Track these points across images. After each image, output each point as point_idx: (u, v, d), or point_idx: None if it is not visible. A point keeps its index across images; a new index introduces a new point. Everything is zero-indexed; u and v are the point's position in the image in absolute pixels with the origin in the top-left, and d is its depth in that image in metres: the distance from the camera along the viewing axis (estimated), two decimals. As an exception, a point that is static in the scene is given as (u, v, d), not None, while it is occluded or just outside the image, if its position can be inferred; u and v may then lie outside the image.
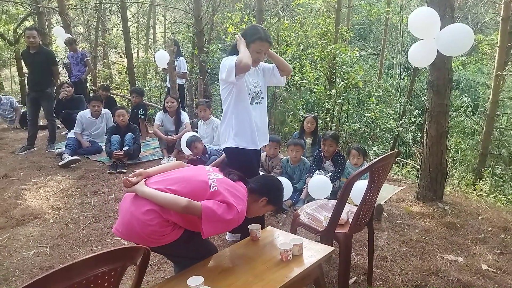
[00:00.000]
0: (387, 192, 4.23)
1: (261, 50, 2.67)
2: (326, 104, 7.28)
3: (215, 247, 2.25)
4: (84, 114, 5.72)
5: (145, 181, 2.02)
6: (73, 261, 1.08)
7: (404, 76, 12.31)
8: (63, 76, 10.72)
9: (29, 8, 10.02)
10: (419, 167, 4.29)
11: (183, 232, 1.97)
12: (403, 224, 3.48)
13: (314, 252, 2.15)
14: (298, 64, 8.30)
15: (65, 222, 3.52)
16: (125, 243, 3.08)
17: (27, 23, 11.99)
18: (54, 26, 10.65)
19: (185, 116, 5.69)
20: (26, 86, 5.76)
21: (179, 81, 6.66)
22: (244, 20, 11.02)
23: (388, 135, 8.28)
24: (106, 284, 1.19)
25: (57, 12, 9.13)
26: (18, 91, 12.05)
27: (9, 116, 7.18)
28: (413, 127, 8.96)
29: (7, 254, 2.96)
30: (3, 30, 11.89)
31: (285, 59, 8.94)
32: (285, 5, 11.93)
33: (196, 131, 5.44)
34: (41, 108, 5.74)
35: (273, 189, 2.20)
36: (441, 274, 2.70)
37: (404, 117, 8.84)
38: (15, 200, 3.98)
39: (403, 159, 7.79)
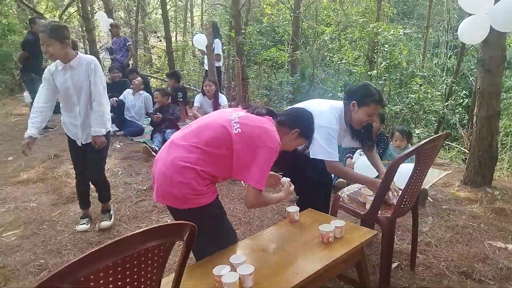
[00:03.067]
0: (432, 176, 4.07)
1: (374, 114, 2.48)
2: (367, 85, 7.04)
3: (236, 236, 2.17)
4: (129, 90, 6.05)
5: (172, 138, 1.98)
6: (124, 235, 1.12)
7: (451, 55, 11.67)
8: (106, 60, 11.09)
9: (74, -6, 10.35)
10: (467, 151, 4.09)
11: (216, 199, 1.95)
12: (449, 209, 3.36)
13: (356, 235, 2.12)
14: (337, 44, 8.07)
15: (112, 200, 3.68)
16: (168, 220, 3.18)
17: (72, 9, 12.44)
18: (97, 12, 10.98)
19: (223, 99, 5.72)
20: (25, 70, 5.83)
21: (216, 64, 6.69)
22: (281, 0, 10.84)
23: (432, 118, 7.93)
24: (155, 258, 1.23)
25: (100, -3, 9.37)
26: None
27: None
28: (460, 109, 8.53)
29: (59, 229, 3.15)
30: (49, 17, 12.37)
31: (324, 40, 8.75)
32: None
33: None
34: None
35: (304, 120, 2.10)
36: (489, 261, 2.59)
37: (450, 99, 8.43)
38: (65, 178, 4.20)
39: (449, 143, 7.46)
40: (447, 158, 5.08)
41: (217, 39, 6.97)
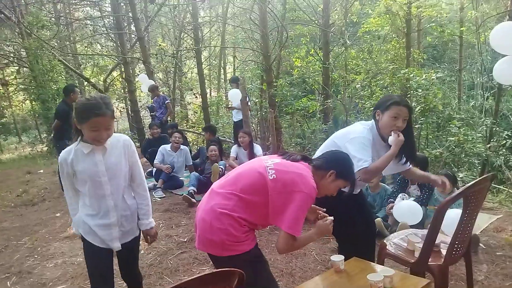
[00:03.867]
0: (482, 221, 3.87)
1: (399, 115, 2.45)
2: (403, 130, 6.98)
3: (278, 286, 2.17)
4: (165, 147, 6.18)
5: (212, 187, 2.07)
6: (183, 280, 1.15)
7: (488, 96, 11.43)
8: (147, 118, 11.70)
9: (117, 59, 11.24)
10: (517, 193, 3.88)
11: (256, 245, 1.96)
12: (504, 256, 3.15)
13: (407, 284, 2.03)
14: (368, 91, 8.15)
15: (154, 253, 3.73)
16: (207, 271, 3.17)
17: (115, 73, 13.45)
18: (138, 74, 11.80)
19: (258, 149, 5.84)
20: (58, 137, 6.02)
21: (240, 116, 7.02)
22: (310, 52, 11.25)
23: (475, 160, 7.64)
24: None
25: (141, 61, 10.12)
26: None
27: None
28: (504, 150, 8.18)
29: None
30: (94, 81, 13.39)
31: (355, 88, 8.86)
32: (351, 34, 11.96)
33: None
34: None
35: (339, 160, 2.08)
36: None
37: (492, 140, 8.13)
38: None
39: (497, 185, 7.09)
40: (496, 202, 4.82)
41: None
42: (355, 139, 2.43)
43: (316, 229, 2.05)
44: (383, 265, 2.44)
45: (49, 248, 3.95)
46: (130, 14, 9.61)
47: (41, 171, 8.09)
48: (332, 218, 2.08)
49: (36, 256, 3.80)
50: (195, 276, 1.21)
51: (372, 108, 8.01)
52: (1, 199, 6.15)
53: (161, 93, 9.08)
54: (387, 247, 2.56)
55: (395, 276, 2.05)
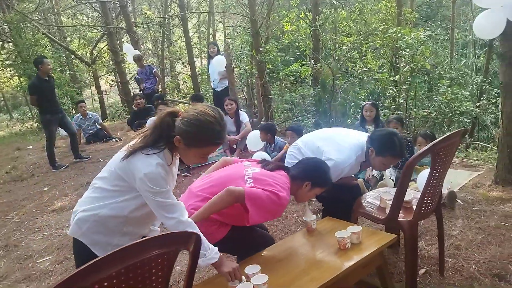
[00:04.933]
0: (461, 178, 3.91)
1: (390, 164, 2.53)
2: (390, 91, 6.93)
3: (272, 238, 2.27)
4: (152, 119, 6.12)
5: (190, 187, 2.16)
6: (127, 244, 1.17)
7: (480, 54, 11.27)
8: (136, 90, 11.56)
9: (101, 30, 10.97)
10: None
11: (231, 229, 2.02)
12: (480, 210, 3.20)
13: (374, 240, 2.08)
14: (356, 53, 8.01)
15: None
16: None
17: (102, 45, 13.16)
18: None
19: (244, 116, 5.80)
20: (40, 112, 5.96)
21: (225, 83, 6.81)
22: (300, 15, 10.96)
23: (465, 119, 7.64)
24: (159, 267, 1.26)
25: (126, 31, 9.89)
26: (98, 108, 13.20)
27: (90, 131, 7.82)
28: (493, 108, 8.16)
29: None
30: (81, 53, 13.12)
31: (342, 50, 8.69)
32: (342, -6, 11.61)
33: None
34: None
35: (313, 171, 2.14)
36: (524, 262, 2.44)
37: (482, 98, 8.09)
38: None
39: (484, 143, 7.13)
40: (480, 159, 4.85)
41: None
42: (337, 165, 2.43)
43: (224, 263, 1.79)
44: (356, 223, 2.49)
45: (36, 222, 4.01)
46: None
47: (31, 147, 8.08)
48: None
49: (23, 230, 3.86)
50: (152, 236, 1.23)
51: (363, 70, 7.94)
52: (-9, 176, 6.18)
53: (148, 63, 8.92)
54: (360, 205, 2.60)
55: (363, 232, 2.10)
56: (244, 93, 10.83)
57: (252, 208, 1.88)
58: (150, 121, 5.97)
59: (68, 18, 13.29)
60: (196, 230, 1.65)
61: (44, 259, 3.23)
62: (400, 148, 2.36)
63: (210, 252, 1.69)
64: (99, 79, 13.30)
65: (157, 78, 7.89)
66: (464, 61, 11.19)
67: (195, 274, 1.46)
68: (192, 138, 1.63)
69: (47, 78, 5.70)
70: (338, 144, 2.54)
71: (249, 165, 2.17)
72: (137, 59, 7.74)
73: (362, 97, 7.76)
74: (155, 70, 7.95)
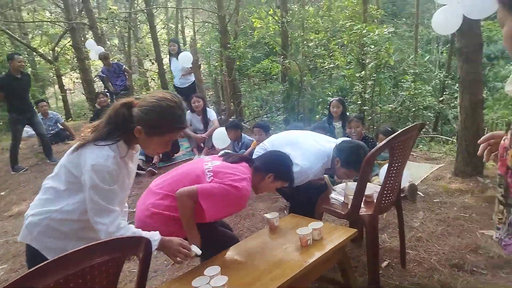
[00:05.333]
0: (423, 171, 4.02)
1: (354, 176, 2.56)
2: (357, 87, 7.04)
3: (235, 237, 2.23)
4: None
5: (150, 186, 2.10)
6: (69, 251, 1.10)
7: (443, 50, 11.65)
8: (100, 88, 11.23)
9: (64, 26, 10.57)
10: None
11: None
12: (440, 202, 3.29)
13: (336, 235, 2.08)
14: (323, 50, 8.08)
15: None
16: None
17: (65, 41, 12.68)
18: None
19: (212, 114, 5.74)
20: (7, 110, 5.68)
21: (192, 78, 6.71)
22: (269, 12, 10.95)
23: (429, 113, 7.87)
24: (104, 275, 1.20)
25: (89, 27, 9.56)
26: (62, 107, 12.75)
27: (51, 131, 7.49)
28: (455, 102, 8.45)
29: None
30: (43, 51, 12.61)
31: (310, 46, 8.76)
32: (309, -9, 11.70)
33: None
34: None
35: (277, 164, 2.15)
36: (481, 251, 2.52)
37: (444, 93, 8.37)
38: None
39: (447, 137, 7.38)
40: (442, 152, 5.01)
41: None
42: (301, 171, 2.43)
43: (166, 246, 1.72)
44: (320, 220, 2.50)
45: (-9, 228, 3.81)
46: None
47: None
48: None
49: (-23, 237, 3.66)
50: (100, 241, 1.16)
51: (331, 66, 8.01)
52: None
53: (113, 60, 8.66)
54: (324, 202, 2.61)
55: (324, 228, 2.10)
56: (213, 90, 10.74)
57: (207, 205, 1.86)
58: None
59: (29, 13, 12.72)
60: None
61: (-1, 267, 3.07)
62: (362, 160, 2.38)
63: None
64: (62, 77, 12.80)
65: (126, 75, 7.65)
66: (428, 57, 11.54)
67: (146, 279, 1.40)
68: (153, 126, 1.56)
69: (19, 76, 5.47)
70: (305, 150, 2.55)
71: (209, 159, 2.14)
72: (103, 58, 7.48)
73: (330, 93, 7.85)
74: (124, 66, 7.74)
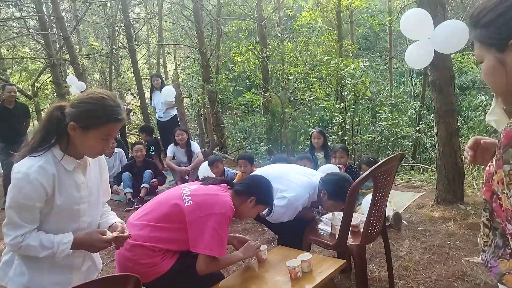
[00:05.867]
0: (406, 199, 4.09)
1: (341, 207, 2.58)
2: (337, 118, 7.23)
3: (221, 273, 2.19)
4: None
5: (128, 219, 2.07)
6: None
7: (417, 82, 12.14)
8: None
9: (44, 62, 10.55)
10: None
11: (178, 260, 1.94)
12: (425, 230, 3.34)
13: (325, 267, 2.08)
14: (302, 83, 8.33)
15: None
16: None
17: (44, 77, 12.61)
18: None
19: (195, 146, 5.75)
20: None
21: (173, 112, 6.76)
22: (249, 47, 11.27)
23: (408, 142, 8.10)
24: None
25: (70, 63, 9.57)
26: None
27: None
28: (432, 131, 8.74)
29: None
30: (22, 86, 12.50)
31: (290, 80, 9.01)
32: (288, 28, 12.13)
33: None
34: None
35: (259, 188, 2.15)
36: (467, 278, 2.55)
37: (420, 123, 8.66)
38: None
39: (426, 165, 7.57)
40: (422, 181, 5.13)
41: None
42: (289, 204, 2.48)
43: (243, 249, 2.13)
44: (309, 251, 2.50)
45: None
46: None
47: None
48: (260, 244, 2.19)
49: None
50: (88, 280, 1.13)
51: (311, 99, 8.20)
52: None
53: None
54: (311, 233, 2.61)
55: (313, 259, 2.09)
56: (196, 123, 10.79)
57: (219, 251, 1.91)
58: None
59: (8, 50, 12.66)
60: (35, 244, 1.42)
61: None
62: (347, 192, 2.43)
63: (57, 246, 1.43)
64: (42, 112, 12.65)
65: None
66: (403, 88, 11.99)
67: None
68: (87, 117, 1.44)
69: (11, 107, 5.40)
70: (290, 182, 2.59)
71: (186, 185, 2.13)
72: None
73: (311, 124, 8.00)
74: (123, 105, 7.75)
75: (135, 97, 12.84)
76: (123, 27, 10.28)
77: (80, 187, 1.54)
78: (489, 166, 0.99)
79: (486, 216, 1.01)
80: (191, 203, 1.93)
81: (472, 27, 0.95)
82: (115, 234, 1.56)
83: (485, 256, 1.04)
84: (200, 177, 5.08)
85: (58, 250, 1.44)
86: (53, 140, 1.47)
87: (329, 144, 5.18)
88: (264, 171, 2.90)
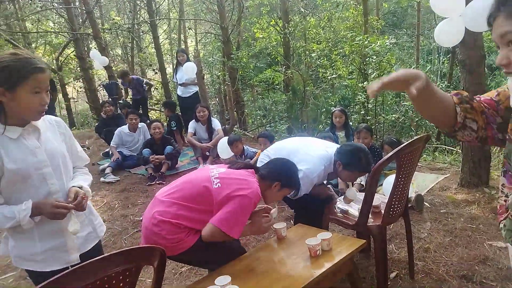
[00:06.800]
0: (429, 181, 4.02)
1: (356, 178, 2.74)
2: (360, 97, 7.09)
3: (242, 248, 2.23)
4: (122, 129, 5.94)
5: (156, 195, 2.13)
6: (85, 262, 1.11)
7: (444, 60, 11.72)
8: (104, 97, 11.30)
9: (68, 36, 10.67)
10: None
11: (200, 238, 1.98)
12: (447, 213, 3.29)
13: (345, 246, 2.08)
14: (325, 60, 8.15)
15: (109, 234, 3.67)
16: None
17: (68, 51, 12.79)
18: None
19: (216, 123, 5.76)
20: None
21: (194, 88, 6.76)
22: (271, 23, 11.07)
23: (432, 123, 7.89)
24: (121, 285, 1.21)
25: (92, 37, 9.65)
26: (66, 115, 12.81)
27: None
28: (458, 112, 8.48)
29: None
30: (47, 60, 12.72)
31: (312, 57, 8.84)
32: (310, 2, 11.81)
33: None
34: None
35: (283, 172, 2.16)
36: (489, 262, 2.51)
37: (446, 103, 8.40)
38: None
39: (451, 147, 7.39)
40: (447, 163, 5.01)
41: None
42: (304, 176, 2.44)
43: (251, 225, 2.13)
44: (327, 229, 2.50)
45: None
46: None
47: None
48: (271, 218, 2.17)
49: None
50: (101, 256, 1.17)
51: (333, 77, 8.06)
52: None
53: (114, 70, 8.73)
54: (331, 211, 2.62)
55: (333, 238, 2.10)
56: (217, 100, 10.79)
57: (233, 231, 1.92)
58: (121, 131, 5.82)
59: (33, 24, 12.84)
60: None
61: (8, 275, 3.06)
62: (366, 164, 2.42)
63: (18, 214, 1.47)
64: (66, 86, 12.90)
65: (146, 87, 7.79)
66: (429, 67, 11.59)
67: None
68: (9, 76, 1.43)
69: None
70: (306, 154, 2.57)
71: (214, 167, 2.16)
72: (124, 75, 7.55)
73: (333, 103, 7.88)
74: (145, 80, 7.98)
75: (156, 73, 12.94)
76: (145, 2, 10.25)
77: (36, 151, 1.55)
78: (504, 200, 0.98)
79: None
80: (220, 185, 1.97)
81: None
82: (70, 200, 1.58)
83: None
84: (219, 152, 5.12)
85: (20, 218, 1.47)
86: None
87: (350, 123, 5.10)
88: (281, 143, 2.90)
